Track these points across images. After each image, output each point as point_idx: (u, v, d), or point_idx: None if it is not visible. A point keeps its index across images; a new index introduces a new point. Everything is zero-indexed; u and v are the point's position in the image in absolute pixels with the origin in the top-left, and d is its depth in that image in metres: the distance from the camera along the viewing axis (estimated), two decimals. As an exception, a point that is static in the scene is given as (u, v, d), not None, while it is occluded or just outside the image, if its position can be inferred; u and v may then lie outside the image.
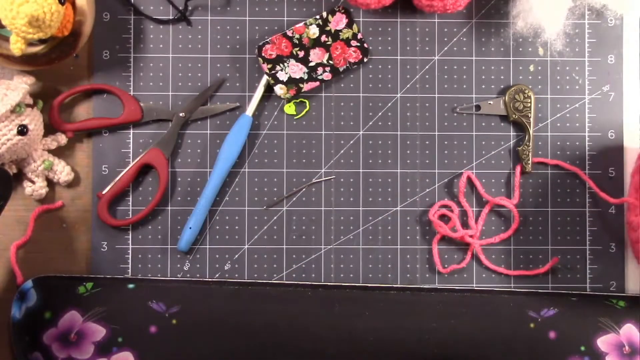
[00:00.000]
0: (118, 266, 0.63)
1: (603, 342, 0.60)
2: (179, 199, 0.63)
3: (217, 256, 0.63)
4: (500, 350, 0.60)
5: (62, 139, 0.62)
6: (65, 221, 0.63)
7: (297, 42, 0.63)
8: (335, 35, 0.63)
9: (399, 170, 0.64)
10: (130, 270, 0.63)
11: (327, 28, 0.63)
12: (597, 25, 0.65)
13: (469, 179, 0.64)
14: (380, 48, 0.64)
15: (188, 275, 0.63)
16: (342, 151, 0.64)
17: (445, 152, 0.64)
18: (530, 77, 0.65)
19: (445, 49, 0.65)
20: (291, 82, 0.63)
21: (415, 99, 0.64)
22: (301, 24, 0.63)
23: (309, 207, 0.64)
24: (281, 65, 0.63)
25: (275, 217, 0.64)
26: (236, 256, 0.63)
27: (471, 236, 0.63)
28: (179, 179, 0.63)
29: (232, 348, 0.59)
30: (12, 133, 0.57)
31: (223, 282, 0.62)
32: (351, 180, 0.64)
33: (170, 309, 0.60)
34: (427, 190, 0.64)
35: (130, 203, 0.63)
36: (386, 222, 0.64)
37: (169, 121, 0.63)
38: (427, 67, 0.64)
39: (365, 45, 0.63)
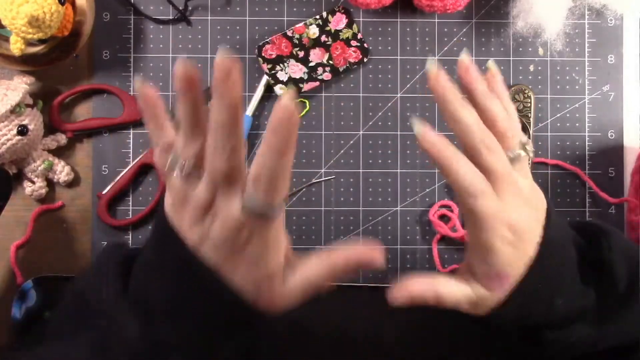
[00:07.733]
0: (118, 266, 0.62)
1: None
2: (179, 199, 0.63)
3: (217, 256, 0.63)
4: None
5: (62, 139, 0.62)
6: (65, 221, 0.63)
7: (297, 42, 0.63)
8: (335, 35, 0.63)
9: (399, 170, 0.64)
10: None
11: (327, 28, 0.63)
12: (597, 25, 0.65)
13: (469, 179, 0.64)
14: (380, 48, 0.64)
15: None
16: (342, 151, 0.64)
17: (445, 152, 0.64)
18: (530, 77, 0.65)
19: (445, 49, 0.65)
20: (291, 82, 0.63)
21: (415, 99, 0.64)
22: (301, 24, 0.63)
23: (309, 207, 0.64)
24: (281, 65, 0.63)
25: (275, 217, 0.64)
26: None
27: (471, 236, 0.63)
28: (179, 179, 0.63)
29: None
30: (12, 133, 0.57)
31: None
32: (351, 180, 0.64)
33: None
34: (427, 190, 0.64)
35: (130, 203, 0.63)
36: (386, 222, 0.64)
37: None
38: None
39: (365, 45, 0.63)
